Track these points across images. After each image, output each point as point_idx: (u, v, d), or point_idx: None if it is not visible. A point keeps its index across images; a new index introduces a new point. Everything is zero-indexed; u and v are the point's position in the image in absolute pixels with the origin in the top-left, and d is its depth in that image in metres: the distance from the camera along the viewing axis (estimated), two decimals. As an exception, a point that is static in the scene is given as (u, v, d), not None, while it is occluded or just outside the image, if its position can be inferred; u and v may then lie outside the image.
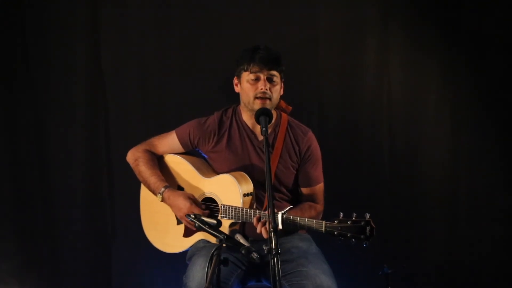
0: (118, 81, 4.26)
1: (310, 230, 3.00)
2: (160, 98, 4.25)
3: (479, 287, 4.17)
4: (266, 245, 2.59)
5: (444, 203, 4.20)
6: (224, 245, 2.74)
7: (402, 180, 4.20)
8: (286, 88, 3.34)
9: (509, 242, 4.13)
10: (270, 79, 3.22)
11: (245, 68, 3.24)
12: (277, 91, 3.26)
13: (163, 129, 3.55)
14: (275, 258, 2.55)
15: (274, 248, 2.56)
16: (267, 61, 3.21)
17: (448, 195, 4.20)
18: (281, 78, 3.28)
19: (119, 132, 4.25)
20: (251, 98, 3.23)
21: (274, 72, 3.23)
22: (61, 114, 4.26)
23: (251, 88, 3.23)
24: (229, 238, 2.79)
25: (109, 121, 4.27)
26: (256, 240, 3.22)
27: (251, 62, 3.21)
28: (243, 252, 2.72)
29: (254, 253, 2.72)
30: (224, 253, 2.75)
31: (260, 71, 3.21)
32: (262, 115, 3.06)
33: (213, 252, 2.68)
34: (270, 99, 3.22)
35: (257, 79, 3.22)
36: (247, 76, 3.24)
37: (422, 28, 4.18)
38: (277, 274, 2.54)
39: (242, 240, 2.92)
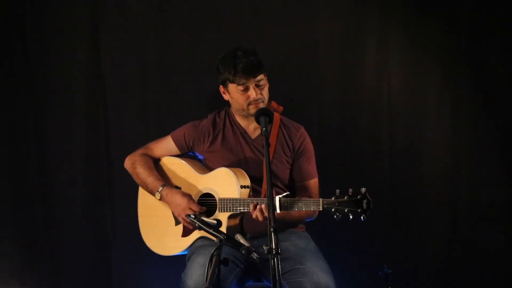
0: (118, 81, 4.26)
1: (308, 214, 3.02)
2: (160, 98, 4.25)
3: (479, 287, 4.16)
4: (266, 245, 2.61)
5: (444, 203, 4.19)
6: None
7: (402, 180, 4.19)
8: (286, 89, 3.36)
9: (510, 242, 4.13)
10: (258, 85, 3.25)
11: (231, 80, 3.25)
12: (266, 90, 3.30)
13: (163, 130, 3.58)
14: (275, 258, 2.56)
15: (274, 248, 2.57)
16: (251, 69, 3.22)
17: (448, 195, 4.19)
18: (265, 75, 3.30)
19: (119, 132, 4.25)
20: (245, 106, 3.28)
21: (260, 77, 3.25)
22: (61, 114, 4.26)
23: (243, 98, 3.26)
24: (229, 238, 2.79)
25: (109, 121, 4.27)
26: (255, 237, 3.27)
27: (235, 74, 3.22)
28: (243, 252, 2.73)
29: (254, 253, 2.72)
30: (222, 251, 2.75)
31: (247, 81, 3.23)
32: (262, 115, 3.08)
33: (213, 253, 2.68)
34: (263, 101, 3.27)
35: (246, 89, 3.24)
36: (235, 88, 3.26)
37: (422, 28, 4.18)
38: (277, 274, 2.55)
39: (242, 240, 2.93)
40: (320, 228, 3.49)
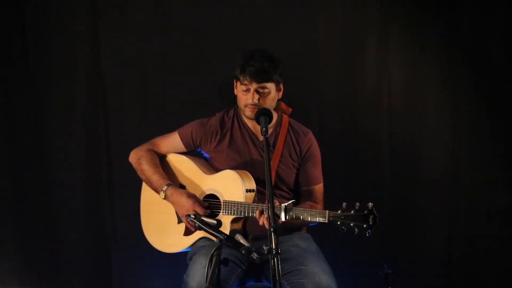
0: (118, 81, 4.26)
1: (312, 221, 3.02)
2: (160, 98, 4.26)
3: (479, 287, 4.17)
4: (266, 245, 2.61)
5: (444, 203, 4.19)
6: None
7: (402, 180, 4.19)
8: (286, 89, 3.36)
9: (509, 241, 4.13)
10: (260, 92, 3.27)
11: (238, 77, 3.31)
12: (270, 99, 3.30)
13: (163, 130, 3.57)
14: (275, 259, 2.56)
15: (274, 248, 2.58)
16: (257, 75, 3.24)
17: (448, 195, 4.19)
18: (276, 86, 3.31)
19: (119, 132, 4.25)
20: (242, 106, 3.32)
21: (265, 85, 3.26)
22: (61, 114, 4.26)
23: (243, 98, 3.30)
24: (229, 238, 2.79)
25: (109, 121, 4.27)
26: (257, 238, 3.27)
27: (240, 73, 3.28)
28: (243, 252, 2.73)
29: (254, 253, 2.72)
30: (224, 252, 2.75)
31: (250, 84, 3.26)
32: (262, 115, 3.10)
33: (213, 252, 2.68)
34: (259, 108, 3.25)
35: (247, 91, 3.28)
36: (239, 86, 3.31)
37: (422, 28, 4.18)
38: (277, 274, 2.55)
39: (242, 240, 2.93)
40: (321, 229, 3.48)
